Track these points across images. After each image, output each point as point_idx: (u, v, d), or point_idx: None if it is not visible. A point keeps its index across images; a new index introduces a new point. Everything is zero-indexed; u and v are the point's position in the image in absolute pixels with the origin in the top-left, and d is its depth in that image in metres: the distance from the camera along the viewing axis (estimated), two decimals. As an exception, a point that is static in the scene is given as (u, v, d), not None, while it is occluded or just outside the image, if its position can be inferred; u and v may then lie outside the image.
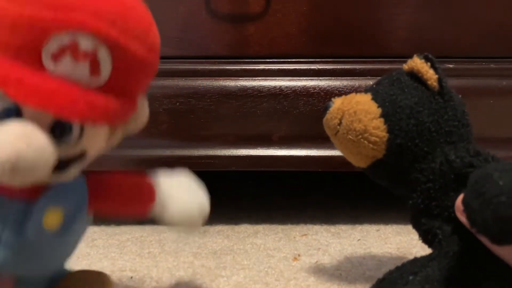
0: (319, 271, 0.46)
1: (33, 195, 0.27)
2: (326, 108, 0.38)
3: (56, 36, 0.23)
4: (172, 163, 0.53)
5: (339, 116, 0.37)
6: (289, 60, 0.53)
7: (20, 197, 0.26)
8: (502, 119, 0.53)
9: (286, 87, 0.52)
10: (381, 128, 0.35)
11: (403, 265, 0.32)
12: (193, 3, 0.52)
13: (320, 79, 0.53)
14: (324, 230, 0.56)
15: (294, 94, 0.52)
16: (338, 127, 0.37)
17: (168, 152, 0.53)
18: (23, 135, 0.22)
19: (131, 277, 0.44)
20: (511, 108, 0.53)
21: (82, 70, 0.24)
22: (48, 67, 0.23)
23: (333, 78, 0.53)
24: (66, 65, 0.23)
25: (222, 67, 0.53)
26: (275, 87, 0.52)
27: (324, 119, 0.38)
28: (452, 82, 0.37)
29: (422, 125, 0.34)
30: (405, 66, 0.36)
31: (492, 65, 0.53)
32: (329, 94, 0.52)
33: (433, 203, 0.33)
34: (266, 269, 0.46)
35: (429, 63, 0.35)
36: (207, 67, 0.53)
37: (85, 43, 0.23)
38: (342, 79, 0.53)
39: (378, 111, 0.35)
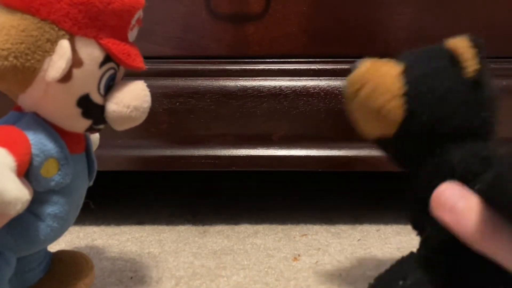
0: (319, 271, 0.46)
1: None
2: (352, 68, 0.34)
3: (137, 13, 0.32)
4: (172, 163, 0.53)
5: (359, 84, 0.33)
6: (289, 60, 0.53)
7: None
8: (502, 119, 0.53)
9: (286, 87, 0.52)
10: (398, 109, 0.31)
11: (391, 268, 0.31)
12: (193, 3, 0.52)
13: (320, 79, 0.53)
14: (324, 230, 0.56)
15: (294, 94, 0.52)
16: (356, 95, 0.33)
17: (168, 152, 0.53)
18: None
19: (131, 278, 0.44)
20: (511, 108, 0.53)
21: (135, 32, 0.33)
22: (129, 36, 0.32)
23: (333, 78, 0.53)
24: (134, 32, 0.33)
25: (222, 67, 0.53)
26: (275, 87, 0.52)
27: (346, 80, 0.35)
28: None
29: (445, 118, 0.31)
30: (449, 45, 0.32)
31: (492, 65, 0.53)
32: (329, 94, 0.52)
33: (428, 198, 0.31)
34: (266, 269, 0.46)
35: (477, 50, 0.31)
36: (207, 67, 0.53)
37: (141, 14, 0.33)
38: (342, 79, 0.52)
39: (402, 89, 0.31)
